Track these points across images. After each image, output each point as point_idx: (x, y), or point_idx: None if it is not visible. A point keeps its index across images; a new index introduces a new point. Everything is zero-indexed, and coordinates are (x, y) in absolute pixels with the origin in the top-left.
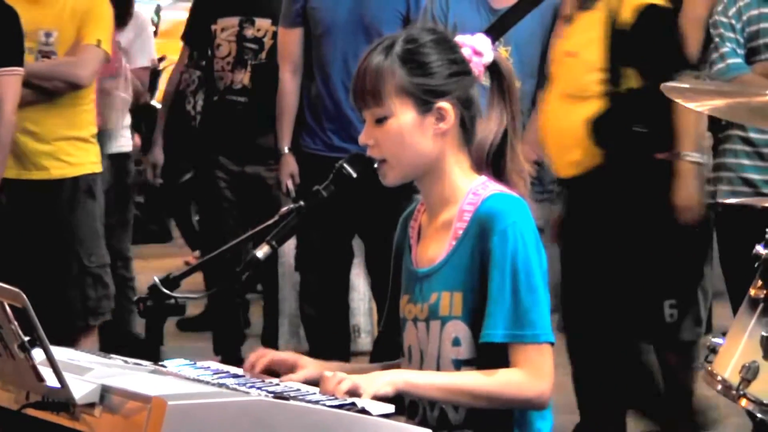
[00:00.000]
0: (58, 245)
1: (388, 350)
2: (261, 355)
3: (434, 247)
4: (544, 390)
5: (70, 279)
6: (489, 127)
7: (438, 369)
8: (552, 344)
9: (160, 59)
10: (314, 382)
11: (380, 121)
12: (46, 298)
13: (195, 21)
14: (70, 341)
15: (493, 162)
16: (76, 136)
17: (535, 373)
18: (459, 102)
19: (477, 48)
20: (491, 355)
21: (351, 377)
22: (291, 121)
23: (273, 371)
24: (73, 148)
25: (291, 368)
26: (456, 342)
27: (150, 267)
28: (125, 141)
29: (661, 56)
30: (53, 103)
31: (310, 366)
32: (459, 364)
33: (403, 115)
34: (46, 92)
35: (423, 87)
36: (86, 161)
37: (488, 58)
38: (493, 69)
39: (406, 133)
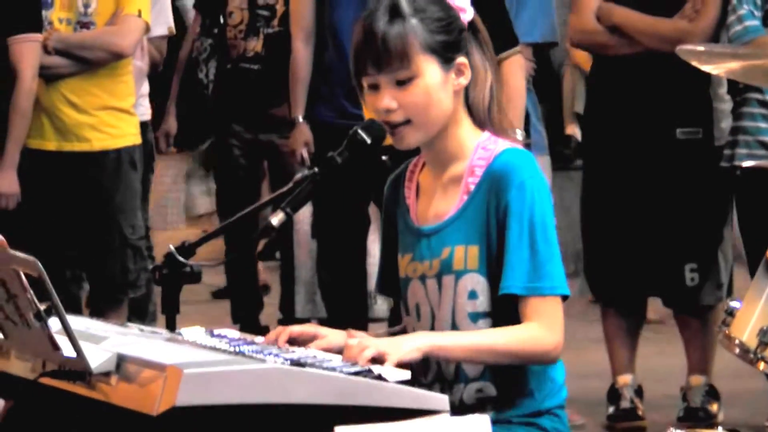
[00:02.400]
0: (102, 218)
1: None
2: (279, 332)
3: (441, 204)
4: (558, 342)
5: (113, 251)
6: (478, 82)
7: (453, 324)
8: (566, 297)
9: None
10: (337, 351)
11: (404, 82)
12: (88, 269)
13: None
14: (103, 312)
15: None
16: (116, 106)
17: (550, 326)
18: (467, 57)
19: (460, 4)
20: (509, 307)
21: (375, 342)
22: (304, 90)
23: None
24: (114, 119)
25: (311, 340)
26: (472, 295)
27: (168, 236)
28: (144, 110)
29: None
30: (93, 73)
31: (330, 335)
32: (476, 317)
33: (430, 74)
34: (87, 63)
35: (444, 43)
36: (127, 132)
37: (470, 14)
38: (472, 25)
39: (434, 92)
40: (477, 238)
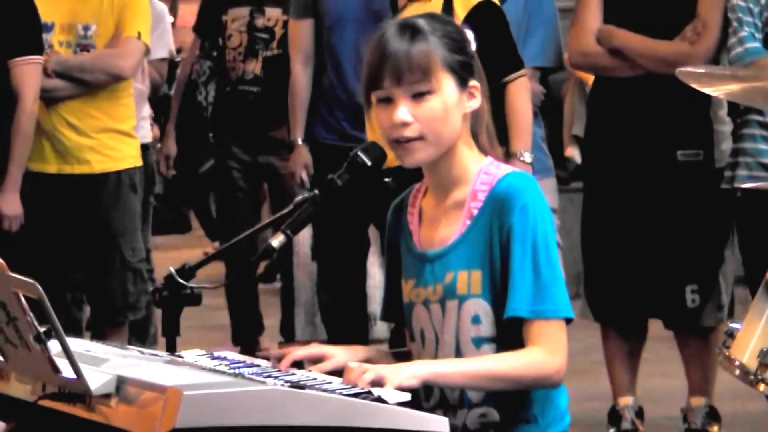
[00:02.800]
0: (102, 240)
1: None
2: (284, 354)
3: (444, 228)
4: (561, 365)
5: (113, 273)
6: (482, 109)
7: (457, 348)
8: (570, 320)
9: (178, 50)
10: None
11: (420, 96)
12: (88, 292)
13: (206, 11)
14: (103, 335)
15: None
16: (116, 129)
17: (553, 349)
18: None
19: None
20: (512, 331)
21: (375, 368)
22: (303, 112)
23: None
24: (115, 142)
25: (318, 361)
26: (476, 320)
27: (168, 258)
28: (144, 132)
29: (492, 55)
30: (93, 96)
31: (337, 355)
32: (480, 342)
33: (448, 91)
34: (87, 85)
35: (461, 63)
36: (128, 155)
37: (473, 45)
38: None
39: (450, 109)
40: (480, 262)
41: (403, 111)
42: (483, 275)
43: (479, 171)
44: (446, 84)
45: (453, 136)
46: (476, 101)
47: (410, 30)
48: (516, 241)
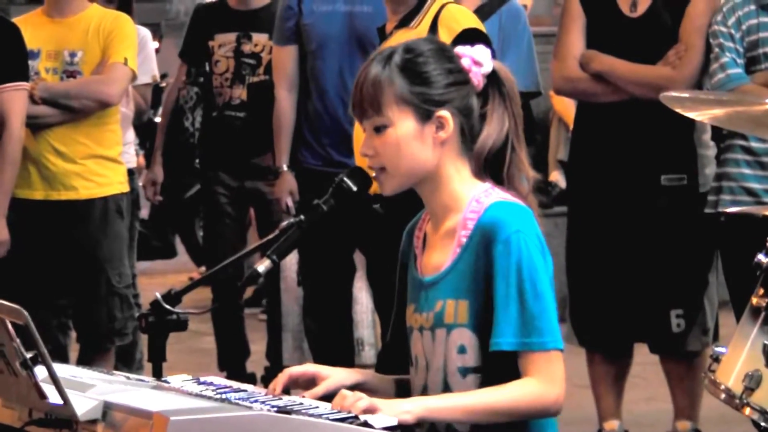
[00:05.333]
0: (89, 266)
1: (394, 363)
2: (281, 376)
3: (439, 256)
4: (558, 396)
5: (99, 299)
6: (488, 132)
7: (444, 377)
8: (561, 350)
9: (163, 76)
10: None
11: (379, 130)
12: (75, 318)
13: (192, 37)
14: (90, 361)
15: (492, 166)
16: (103, 155)
17: (548, 380)
18: (458, 111)
19: (476, 58)
20: (498, 363)
21: (370, 399)
22: (288, 139)
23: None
24: (101, 168)
25: (311, 380)
26: (461, 350)
27: (154, 283)
28: (129, 157)
29: None
30: (80, 122)
31: (331, 376)
32: (465, 372)
33: (403, 125)
34: (73, 111)
35: (422, 96)
36: (114, 181)
37: (488, 67)
38: (493, 78)
39: (405, 143)
40: (467, 292)
41: (366, 143)
42: (469, 305)
43: (471, 198)
44: (401, 118)
45: (417, 168)
46: (446, 131)
47: (382, 60)
48: (499, 274)
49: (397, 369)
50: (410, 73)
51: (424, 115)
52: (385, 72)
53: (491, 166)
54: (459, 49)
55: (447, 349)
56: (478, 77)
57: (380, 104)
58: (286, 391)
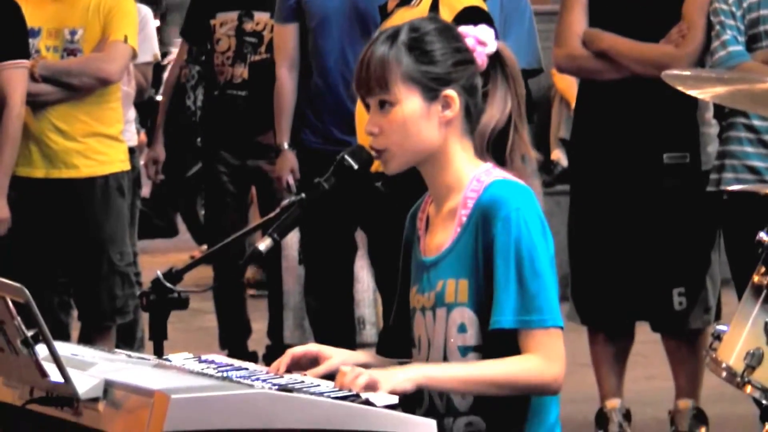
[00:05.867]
0: (90, 244)
1: (395, 345)
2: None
3: (441, 236)
4: (558, 374)
5: (100, 278)
6: (491, 112)
7: (444, 356)
8: (561, 328)
9: (164, 54)
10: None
11: (385, 107)
12: (76, 296)
13: (194, 16)
14: (91, 339)
15: (495, 147)
16: (104, 133)
17: (549, 358)
18: (464, 90)
19: (480, 38)
20: (498, 342)
21: (369, 372)
22: (289, 117)
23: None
24: (102, 146)
25: (313, 359)
26: (462, 329)
27: (156, 262)
28: (130, 135)
29: None
30: (81, 100)
31: (333, 356)
32: (465, 351)
33: (409, 103)
34: (74, 89)
35: (429, 75)
36: (115, 159)
37: (492, 48)
38: (496, 58)
39: (412, 121)
40: (467, 271)
41: (371, 121)
42: (469, 284)
43: (472, 178)
44: (407, 96)
45: (422, 146)
46: (452, 110)
47: (387, 38)
48: (498, 253)
49: (397, 352)
50: (417, 52)
51: (431, 94)
52: (392, 50)
53: (493, 147)
54: (463, 29)
55: (447, 328)
56: (482, 57)
57: (387, 82)
58: (288, 370)
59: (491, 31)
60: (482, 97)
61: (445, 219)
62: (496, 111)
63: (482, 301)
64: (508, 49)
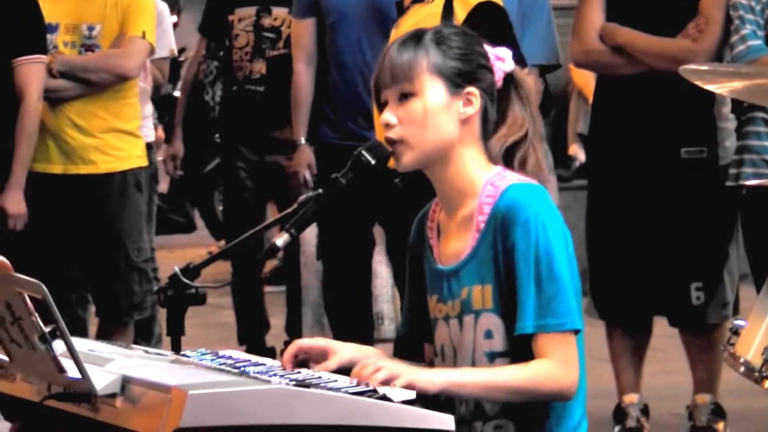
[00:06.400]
0: (108, 240)
1: (410, 353)
2: (290, 348)
3: (458, 243)
4: (573, 379)
5: (118, 274)
6: (503, 131)
7: (473, 363)
8: (578, 331)
9: (181, 50)
10: (348, 369)
11: (406, 98)
12: (93, 292)
13: (212, 12)
14: (108, 335)
15: (507, 158)
16: (121, 128)
17: (564, 363)
18: (485, 93)
19: (499, 55)
20: (525, 347)
21: (389, 366)
22: (306, 113)
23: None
24: (120, 142)
25: (322, 353)
26: (488, 334)
27: (173, 257)
28: (147, 131)
29: None
30: (98, 96)
31: (342, 351)
32: (493, 357)
33: (432, 94)
34: (92, 85)
35: (455, 69)
36: (133, 155)
37: (509, 66)
38: (511, 79)
39: (432, 112)
40: (490, 277)
41: (389, 112)
42: (493, 290)
43: (486, 182)
44: (432, 87)
45: (440, 140)
46: (473, 107)
47: (411, 36)
48: (520, 257)
49: (411, 360)
50: (445, 47)
51: (455, 89)
52: (420, 43)
53: (505, 160)
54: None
55: (475, 334)
56: (499, 72)
57: (412, 72)
58: (305, 364)
59: (509, 52)
60: (497, 113)
61: (460, 225)
62: (509, 132)
63: (506, 306)
64: (522, 73)
